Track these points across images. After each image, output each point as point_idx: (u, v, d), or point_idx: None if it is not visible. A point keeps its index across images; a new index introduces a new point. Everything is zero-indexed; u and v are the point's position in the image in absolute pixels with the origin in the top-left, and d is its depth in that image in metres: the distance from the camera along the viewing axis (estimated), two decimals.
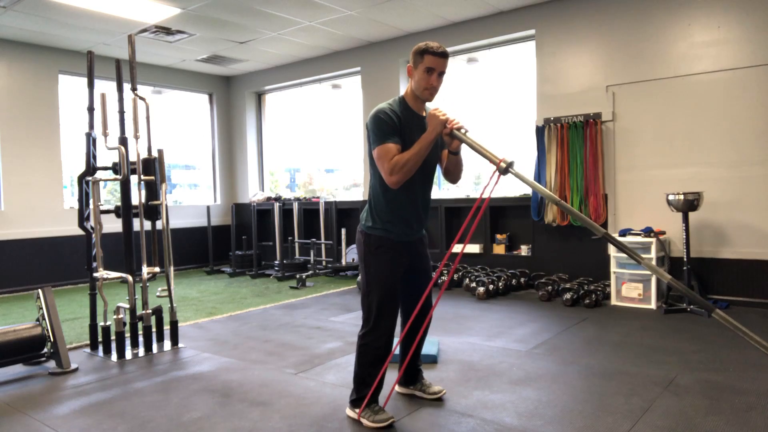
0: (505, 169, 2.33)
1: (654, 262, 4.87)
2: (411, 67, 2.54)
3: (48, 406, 2.95)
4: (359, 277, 6.32)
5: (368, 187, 2.70)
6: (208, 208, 8.37)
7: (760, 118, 4.79)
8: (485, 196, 2.42)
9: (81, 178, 3.93)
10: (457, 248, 6.23)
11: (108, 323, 3.89)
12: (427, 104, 2.66)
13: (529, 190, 6.09)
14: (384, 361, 2.58)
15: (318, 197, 8.33)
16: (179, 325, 4.27)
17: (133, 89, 3.98)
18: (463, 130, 2.43)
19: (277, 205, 8.04)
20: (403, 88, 7.12)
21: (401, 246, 2.63)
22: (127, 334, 3.91)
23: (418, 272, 2.73)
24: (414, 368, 2.93)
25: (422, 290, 2.69)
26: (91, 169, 3.91)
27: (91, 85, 3.99)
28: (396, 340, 2.68)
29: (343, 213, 7.86)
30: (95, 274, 3.83)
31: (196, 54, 7.61)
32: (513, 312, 4.91)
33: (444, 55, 2.50)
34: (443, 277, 5.82)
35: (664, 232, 5.09)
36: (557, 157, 5.73)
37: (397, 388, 2.97)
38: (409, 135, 2.52)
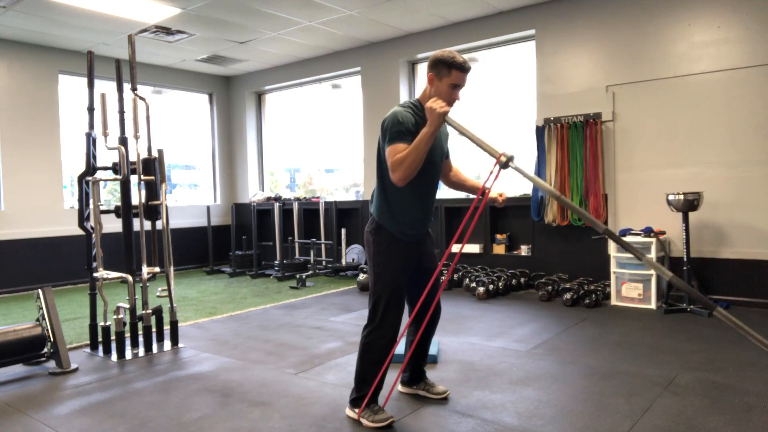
0: (505, 163, 2.31)
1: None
2: (433, 77, 2.50)
3: (48, 406, 2.95)
4: (360, 277, 6.39)
5: (375, 186, 2.68)
6: (208, 208, 8.37)
7: (760, 118, 4.79)
8: (487, 188, 2.40)
9: (81, 178, 3.93)
10: (456, 246, 6.22)
11: (108, 323, 3.89)
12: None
13: (529, 190, 6.08)
14: (386, 360, 2.58)
15: (318, 197, 8.33)
16: (179, 325, 4.28)
17: (133, 89, 3.97)
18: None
19: (277, 205, 8.04)
20: (403, 88, 7.12)
21: (410, 246, 2.63)
22: (127, 334, 3.91)
23: (426, 272, 2.73)
24: (419, 368, 2.92)
25: (430, 289, 2.68)
26: (91, 169, 3.91)
27: (91, 85, 3.99)
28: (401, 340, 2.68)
29: (343, 213, 7.86)
30: (95, 274, 3.84)
31: (196, 54, 7.61)
32: (513, 312, 4.92)
33: (469, 71, 2.52)
34: (443, 277, 5.81)
35: (664, 232, 5.09)
36: (557, 157, 5.73)
37: (400, 388, 2.97)
38: None
